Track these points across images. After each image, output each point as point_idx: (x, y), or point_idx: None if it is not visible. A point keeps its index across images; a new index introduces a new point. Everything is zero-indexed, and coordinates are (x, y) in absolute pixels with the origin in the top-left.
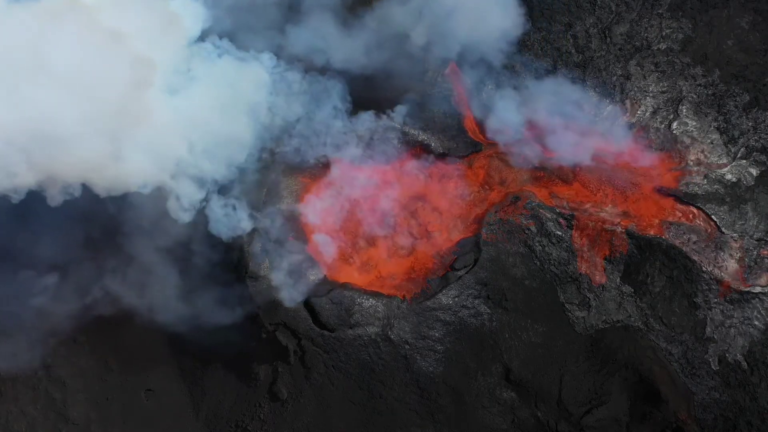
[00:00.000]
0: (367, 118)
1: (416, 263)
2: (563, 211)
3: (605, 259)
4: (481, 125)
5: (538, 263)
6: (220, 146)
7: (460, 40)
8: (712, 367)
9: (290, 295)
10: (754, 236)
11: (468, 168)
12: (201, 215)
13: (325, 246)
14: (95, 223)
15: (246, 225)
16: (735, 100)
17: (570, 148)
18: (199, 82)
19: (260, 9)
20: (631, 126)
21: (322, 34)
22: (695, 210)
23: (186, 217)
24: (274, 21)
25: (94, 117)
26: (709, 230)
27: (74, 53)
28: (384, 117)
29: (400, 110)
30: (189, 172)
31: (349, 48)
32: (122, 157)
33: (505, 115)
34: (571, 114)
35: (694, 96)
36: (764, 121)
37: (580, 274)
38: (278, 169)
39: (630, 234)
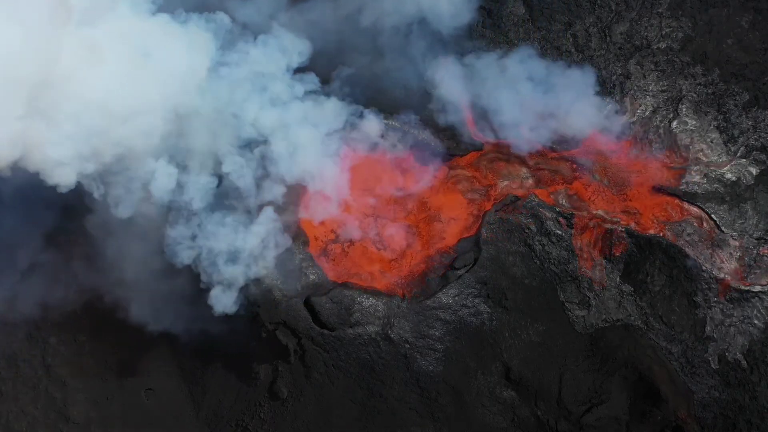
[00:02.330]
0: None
1: (397, 262)
2: (563, 210)
3: (605, 258)
4: (478, 123)
5: (538, 262)
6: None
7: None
8: (712, 365)
9: (223, 301)
10: (754, 235)
11: (466, 166)
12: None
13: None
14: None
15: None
16: (735, 99)
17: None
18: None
19: None
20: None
21: (269, 11)
22: (695, 209)
23: (97, 195)
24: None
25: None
26: (709, 229)
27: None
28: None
29: (340, 73)
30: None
31: (299, 24)
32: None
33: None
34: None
35: (694, 95)
36: (764, 119)
37: (580, 273)
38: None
39: (630, 233)
